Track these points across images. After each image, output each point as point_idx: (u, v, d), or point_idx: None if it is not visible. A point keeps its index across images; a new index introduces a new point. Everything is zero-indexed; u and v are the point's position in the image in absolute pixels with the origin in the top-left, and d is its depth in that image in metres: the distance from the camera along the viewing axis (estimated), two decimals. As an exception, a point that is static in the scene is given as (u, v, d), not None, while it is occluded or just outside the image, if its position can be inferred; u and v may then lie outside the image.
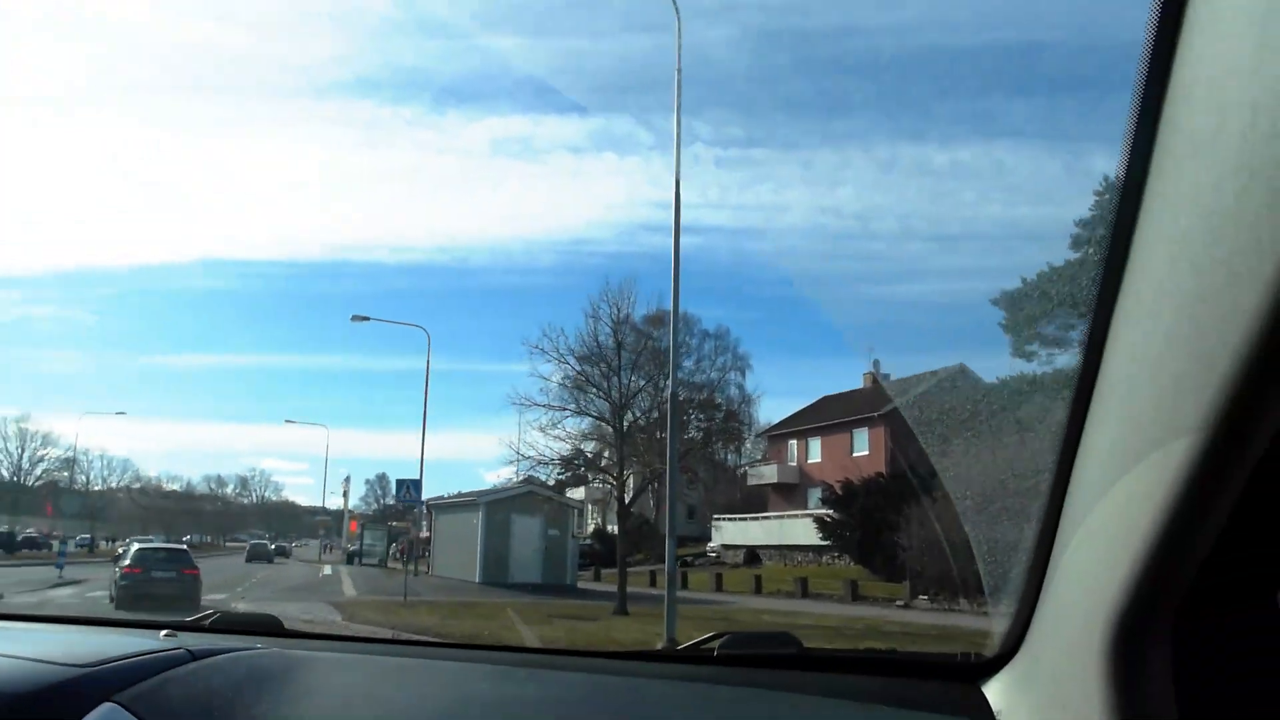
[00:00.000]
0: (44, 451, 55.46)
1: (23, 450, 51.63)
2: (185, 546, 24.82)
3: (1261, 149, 0.66)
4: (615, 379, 22.48)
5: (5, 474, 49.69)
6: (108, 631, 2.05)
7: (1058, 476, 1.12)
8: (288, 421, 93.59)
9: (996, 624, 1.45)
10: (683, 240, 14.14)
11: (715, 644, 1.68)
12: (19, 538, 46.73)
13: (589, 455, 25.85)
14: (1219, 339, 0.72)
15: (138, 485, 68.46)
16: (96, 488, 65.02)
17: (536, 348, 22.71)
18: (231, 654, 1.61)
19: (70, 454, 55.71)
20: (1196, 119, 0.77)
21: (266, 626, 1.99)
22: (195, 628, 1.94)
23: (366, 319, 31.12)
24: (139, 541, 26.81)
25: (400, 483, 25.05)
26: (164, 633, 1.79)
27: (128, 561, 19.14)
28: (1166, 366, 0.83)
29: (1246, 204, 0.68)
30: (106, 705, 1.24)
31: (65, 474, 56.88)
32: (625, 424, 22.57)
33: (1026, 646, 1.31)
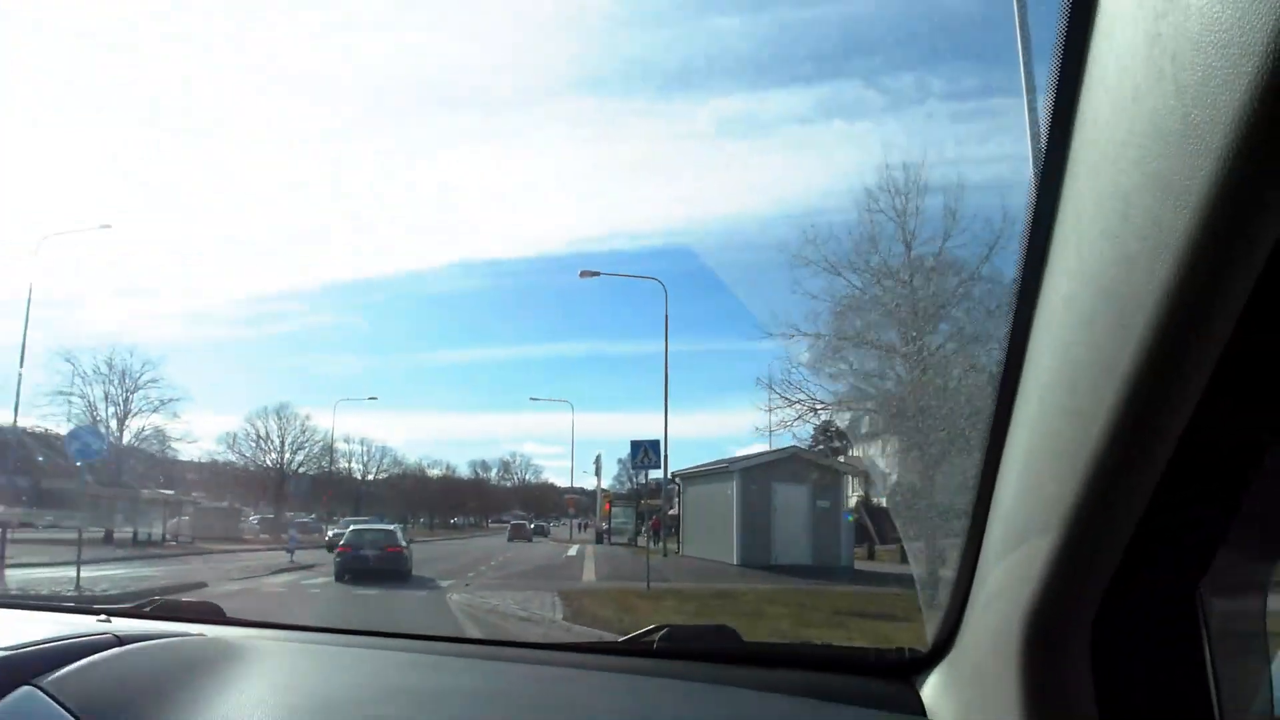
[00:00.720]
0: (305, 438, 58.85)
1: (284, 438, 54.92)
2: (394, 527, 25.48)
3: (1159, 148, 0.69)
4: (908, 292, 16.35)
5: (269, 462, 52.74)
6: (43, 616, 2.00)
7: (984, 475, 1.13)
8: (532, 399, 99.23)
9: (929, 620, 1.46)
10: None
11: (655, 636, 1.70)
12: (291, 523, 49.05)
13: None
14: (1121, 340, 0.75)
15: (398, 471, 71.70)
16: (358, 475, 68.61)
17: (801, 257, 17.21)
18: (161, 641, 1.61)
19: (330, 440, 58.64)
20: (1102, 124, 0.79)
21: (206, 614, 1.99)
22: (135, 614, 1.96)
23: (596, 274, 30.72)
24: (354, 523, 27.61)
25: (635, 445, 20.54)
26: (99, 618, 1.83)
27: (342, 542, 20.97)
28: (1077, 366, 0.85)
29: (1139, 206, 0.72)
30: (24, 688, 1.24)
31: (326, 461, 60.09)
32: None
33: (958, 645, 1.31)
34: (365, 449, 69.62)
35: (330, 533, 33.55)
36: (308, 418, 57.01)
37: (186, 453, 44.25)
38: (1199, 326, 0.70)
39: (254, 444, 52.90)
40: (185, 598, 2.30)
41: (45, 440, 33.62)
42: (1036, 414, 0.97)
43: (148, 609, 1.98)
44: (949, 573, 1.32)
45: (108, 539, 29.71)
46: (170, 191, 74.13)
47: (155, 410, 41.03)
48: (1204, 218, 0.64)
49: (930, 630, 1.42)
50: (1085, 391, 0.83)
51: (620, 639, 1.76)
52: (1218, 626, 0.99)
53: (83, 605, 2.08)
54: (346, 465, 65.57)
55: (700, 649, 1.68)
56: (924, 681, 1.42)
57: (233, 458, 50.93)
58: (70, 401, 36.46)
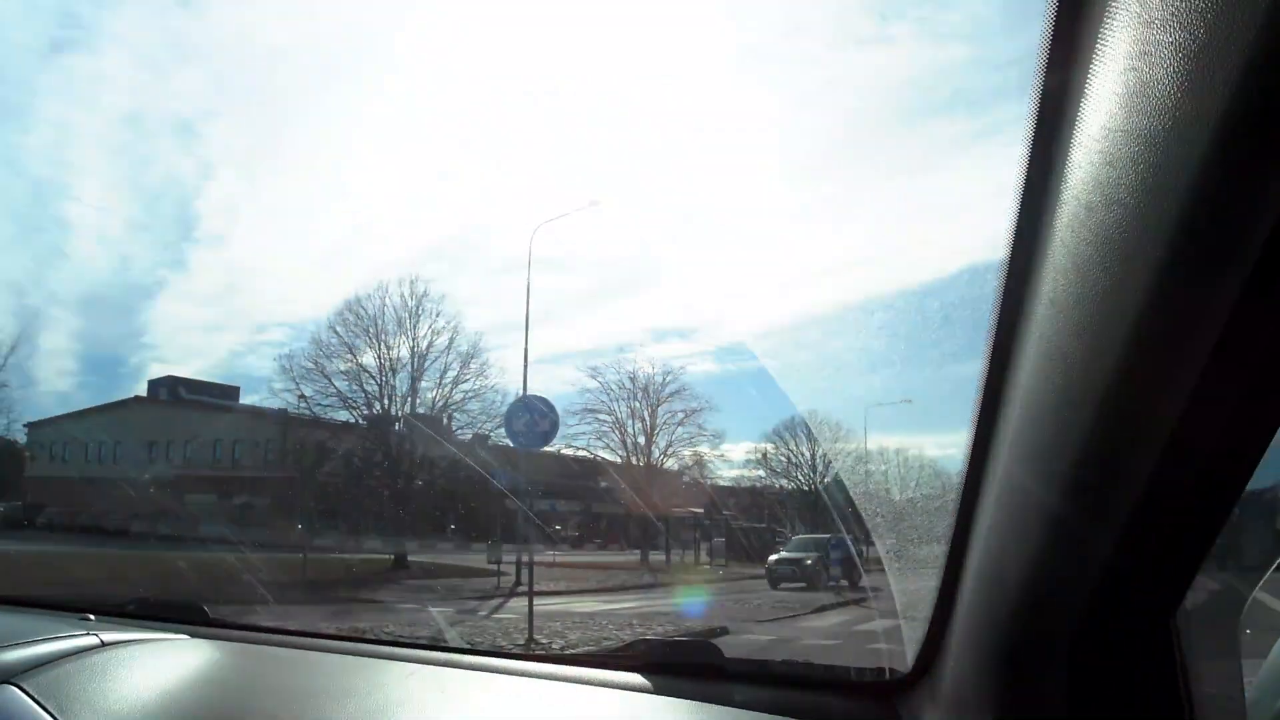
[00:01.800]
0: (836, 447, 53.49)
1: (814, 451, 50.03)
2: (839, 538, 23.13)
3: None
4: None
5: (801, 479, 47.62)
6: (29, 614, 2.05)
7: (964, 497, 1.12)
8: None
9: (910, 641, 1.45)
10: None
11: (636, 650, 1.75)
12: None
13: None
14: (1102, 353, 0.77)
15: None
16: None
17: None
18: (144, 643, 1.64)
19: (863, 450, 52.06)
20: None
21: (187, 614, 1.98)
22: (117, 613, 1.98)
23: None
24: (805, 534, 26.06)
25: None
26: (80, 617, 1.84)
27: (786, 548, 21.47)
28: (1056, 381, 0.86)
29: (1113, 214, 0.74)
30: (5, 687, 1.28)
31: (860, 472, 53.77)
32: None
33: (938, 665, 1.31)
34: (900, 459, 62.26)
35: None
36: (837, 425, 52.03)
37: (716, 469, 41.64)
38: (1182, 338, 0.72)
39: (784, 459, 48.63)
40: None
41: (591, 464, 32.90)
42: (1017, 432, 0.97)
43: (130, 608, 2.01)
44: (929, 594, 1.32)
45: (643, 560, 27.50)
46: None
47: (679, 424, 39.12)
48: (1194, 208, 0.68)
49: (911, 651, 1.42)
50: (1067, 407, 0.85)
51: (600, 652, 1.79)
52: (1193, 651, 1.00)
53: (70, 603, 2.08)
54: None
55: (681, 664, 1.67)
56: (904, 701, 1.42)
57: (761, 473, 47.16)
58: (597, 419, 35.88)
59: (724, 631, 11.73)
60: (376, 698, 1.55)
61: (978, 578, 1.12)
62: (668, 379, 36.08)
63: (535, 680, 1.64)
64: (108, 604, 2.00)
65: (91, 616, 1.85)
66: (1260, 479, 0.82)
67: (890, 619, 1.64)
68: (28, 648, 1.39)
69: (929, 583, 1.33)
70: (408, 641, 1.98)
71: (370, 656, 1.80)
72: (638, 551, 29.85)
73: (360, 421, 29.34)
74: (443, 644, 1.91)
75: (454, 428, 29.40)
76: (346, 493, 29.13)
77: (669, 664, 1.63)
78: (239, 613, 2.19)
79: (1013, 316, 0.93)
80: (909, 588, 1.56)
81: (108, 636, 1.56)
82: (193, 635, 1.78)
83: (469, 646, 1.82)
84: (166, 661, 1.56)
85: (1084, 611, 0.96)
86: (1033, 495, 0.93)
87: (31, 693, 1.27)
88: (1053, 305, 0.85)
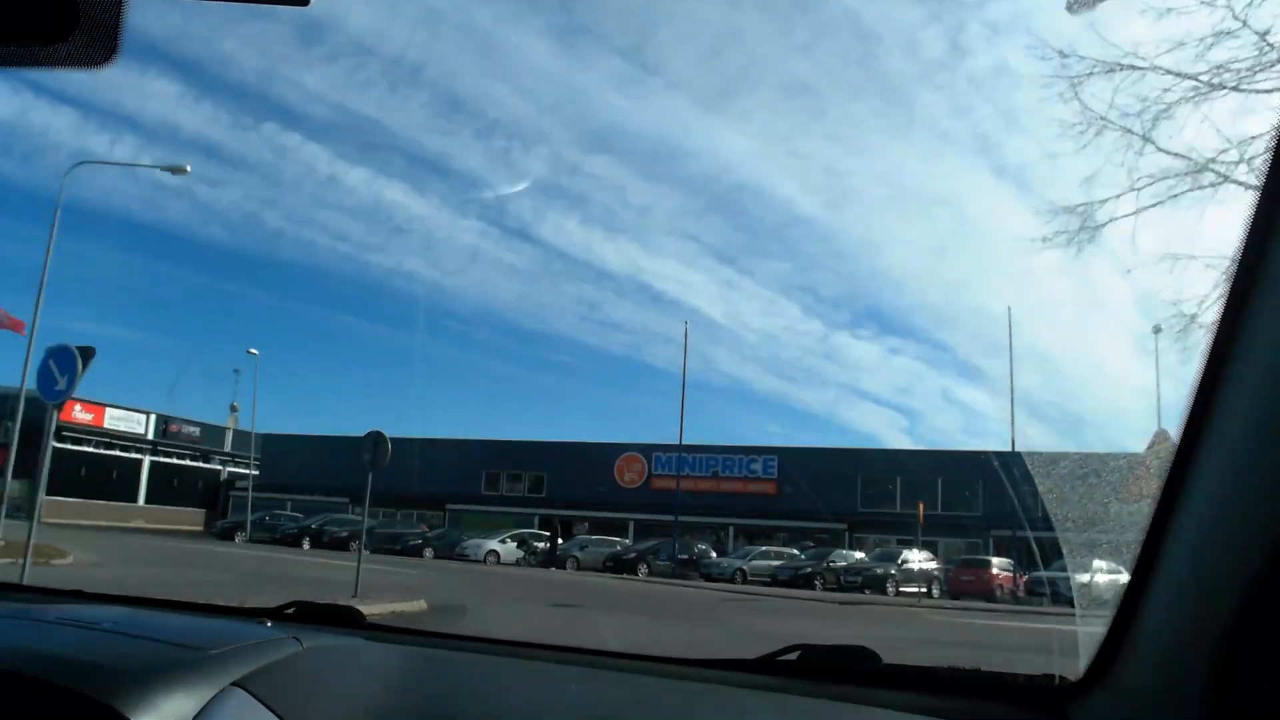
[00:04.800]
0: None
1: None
2: None
3: None
4: None
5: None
6: (215, 619, 2.12)
7: (1163, 497, 1.09)
8: None
9: (1084, 646, 1.41)
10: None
11: (792, 654, 1.68)
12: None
13: None
14: None
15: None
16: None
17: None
18: (335, 645, 1.67)
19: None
20: None
21: (347, 618, 2.02)
22: (278, 615, 2.00)
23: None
24: None
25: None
26: (258, 621, 1.90)
27: None
28: None
29: None
30: (231, 688, 1.30)
31: None
32: None
33: (1115, 673, 1.26)
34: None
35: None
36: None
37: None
38: None
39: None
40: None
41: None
42: (1241, 419, 0.92)
43: (290, 610, 2.01)
44: (1111, 600, 1.28)
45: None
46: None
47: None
48: None
49: (1084, 656, 1.36)
50: None
51: (754, 657, 1.73)
52: None
53: (234, 606, 2.22)
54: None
55: (836, 669, 1.64)
56: (1076, 710, 1.36)
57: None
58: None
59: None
60: (538, 703, 1.56)
61: (1178, 577, 1.07)
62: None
63: (690, 684, 1.65)
64: (268, 609, 2.02)
65: (269, 621, 1.86)
66: None
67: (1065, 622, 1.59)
68: (241, 651, 1.41)
69: (1112, 590, 1.28)
70: (565, 645, 1.95)
71: (526, 659, 1.82)
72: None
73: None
74: (603, 648, 1.92)
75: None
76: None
77: (823, 668, 1.63)
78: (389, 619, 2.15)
79: (1237, 304, 0.89)
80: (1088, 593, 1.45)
81: (305, 638, 1.57)
82: (362, 638, 1.80)
83: (630, 651, 1.88)
84: (360, 662, 1.61)
85: None
86: (1252, 493, 0.89)
87: (259, 696, 1.30)
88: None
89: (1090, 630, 1.38)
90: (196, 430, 54.02)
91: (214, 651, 1.38)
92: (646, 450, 43.31)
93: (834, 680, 1.58)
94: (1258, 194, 0.84)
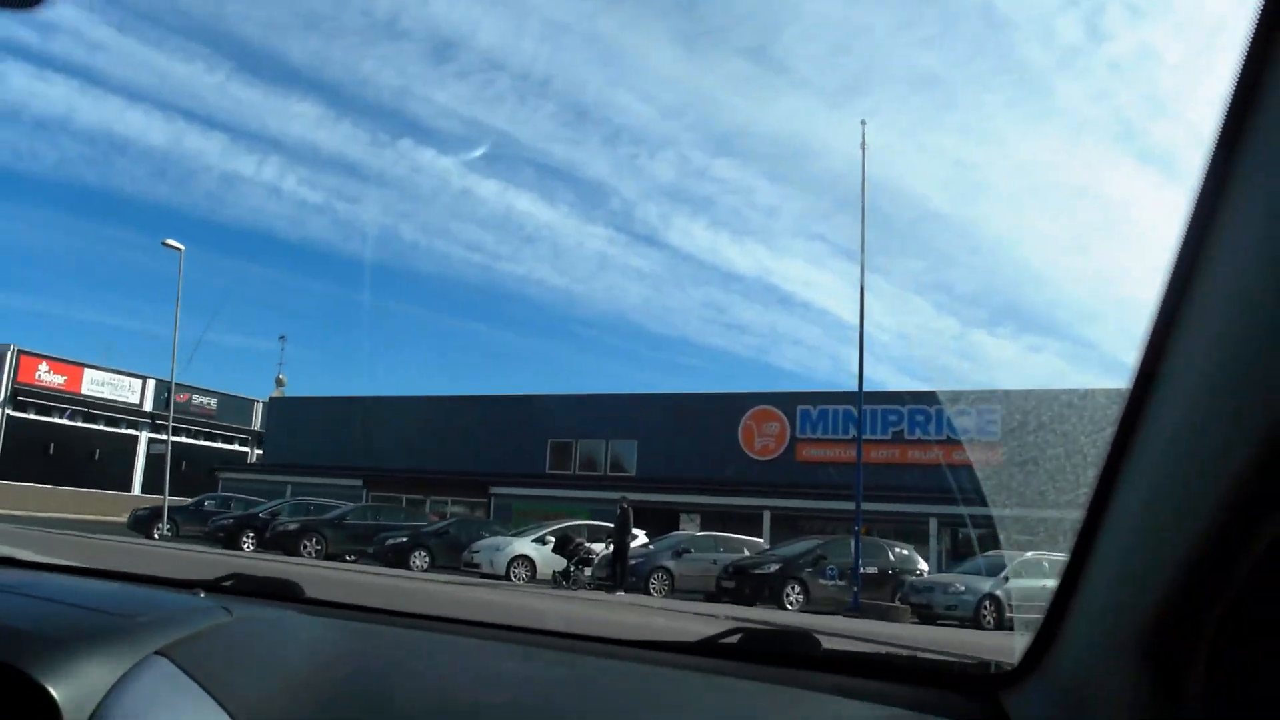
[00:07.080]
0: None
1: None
2: None
3: None
4: None
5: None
6: (145, 588, 2.11)
7: (1099, 487, 1.08)
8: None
9: (1019, 634, 1.44)
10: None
11: (733, 638, 1.70)
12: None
13: None
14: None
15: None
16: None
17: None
18: (268, 617, 1.67)
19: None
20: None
21: (285, 591, 2.04)
22: (214, 587, 2.00)
23: None
24: None
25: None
26: (191, 592, 1.90)
27: None
28: (1229, 373, 0.81)
29: None
30: (153, 656, 1.29)
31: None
32: None
33: (1050, 661, 1.27)
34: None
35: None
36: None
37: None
38: None
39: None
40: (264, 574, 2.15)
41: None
42: (1173, 421, 0.91)
43: (227, 583, 2.01)
44: (1045, 585, 1.28)
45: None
46: None
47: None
48: None
49: (1019, 643, 1.35)
50: (1233, 404, 0.78)
51: (695, 640, 1.71)
52: None
53: (175, 577, 2.14)
54: None
55: (776, 653, 1.66)
56: (1010, 697, 1.36)
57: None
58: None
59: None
60: (477, 677, 1.53)
61: (1105, 576, 1.08)
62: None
63: (628, 664, 1.62)
64: (206, 580, 1.97)
65: (202, 592, 1.87)
66: None
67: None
68: (167, 620, 1.39)
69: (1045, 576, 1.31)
70: (504, 624, 1.88)
71: (465, 637, 1.82)
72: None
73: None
74: (543, 627, 1.82)
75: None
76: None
77: (763, 652, 1.64)
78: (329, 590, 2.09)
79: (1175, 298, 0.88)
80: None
81: (234, 608, 1.55)
82: (299, 611, 1.75)
83: (571, 631, 1.72)
84: (291, 633, 1.58)
85: (1233, 608, 0.89)
86: (1187, 484, 0.87)
87: (182, 665, 1.26)
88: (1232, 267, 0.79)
89: (1027, 618, 1.40)
90: (212, 402, 43.69)
91: (140, 619, 1.38)
92: (788, 402, 28.45)
93: (774, 663, 1.60)
94: (1201, 176, 0.82)
